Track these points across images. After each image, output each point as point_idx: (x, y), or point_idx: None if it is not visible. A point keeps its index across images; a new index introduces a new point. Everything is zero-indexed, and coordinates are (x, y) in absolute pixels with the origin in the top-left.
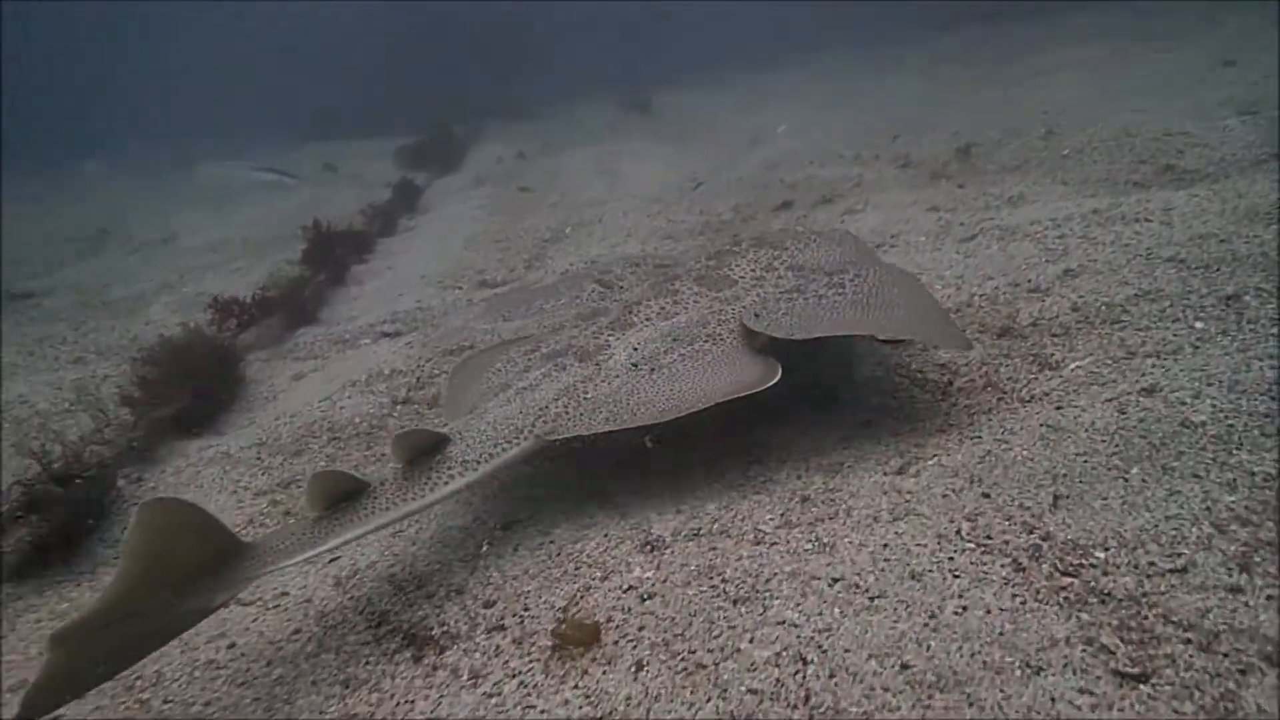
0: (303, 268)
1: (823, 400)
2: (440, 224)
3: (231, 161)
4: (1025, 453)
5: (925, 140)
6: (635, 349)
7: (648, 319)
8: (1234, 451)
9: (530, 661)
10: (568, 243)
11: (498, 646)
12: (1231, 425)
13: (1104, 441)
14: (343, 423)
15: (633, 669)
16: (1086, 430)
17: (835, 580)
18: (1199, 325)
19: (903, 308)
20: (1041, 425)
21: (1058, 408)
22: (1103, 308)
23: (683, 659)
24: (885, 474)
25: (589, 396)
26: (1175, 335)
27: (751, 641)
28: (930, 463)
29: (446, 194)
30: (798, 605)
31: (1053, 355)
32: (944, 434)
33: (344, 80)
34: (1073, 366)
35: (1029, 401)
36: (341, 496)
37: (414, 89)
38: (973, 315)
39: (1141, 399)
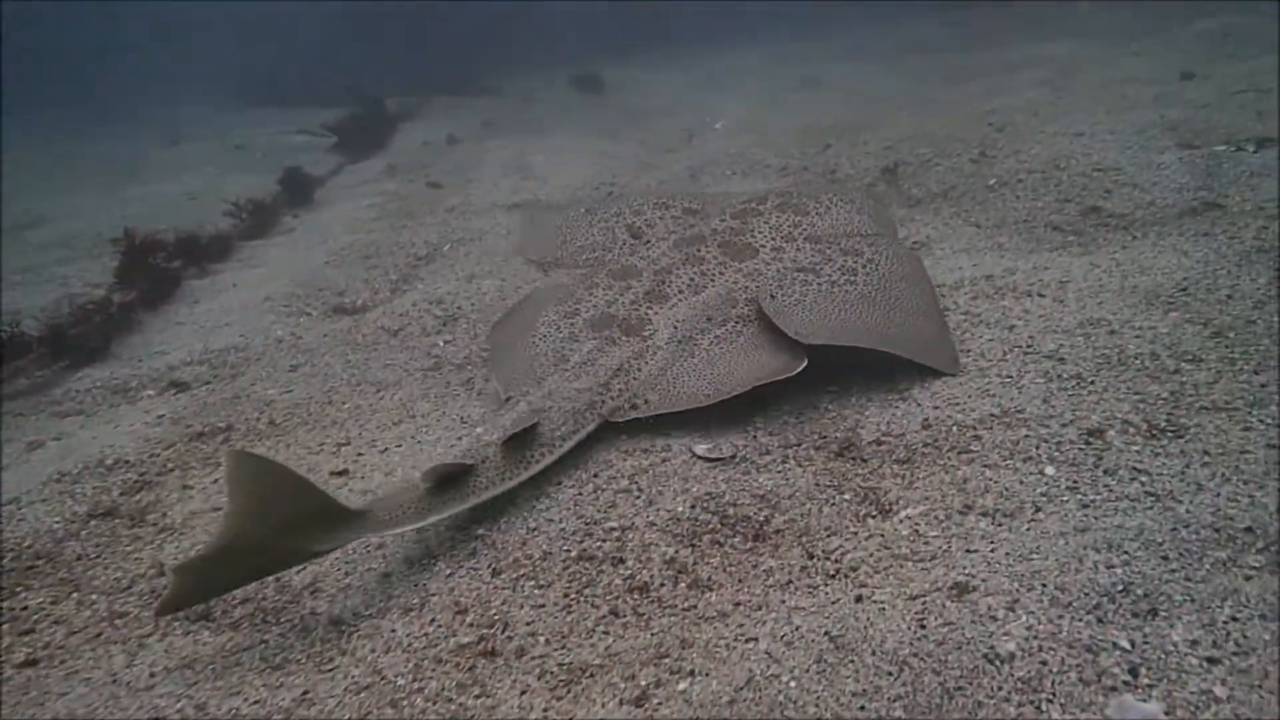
0: (112, 286)
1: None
2: (320, 227)
3: (262, 129)
4: (791, 688)
5: (859, 151)
6: (675, 327)
7: (680, 292)
8: (1041, 708)
9: None
10: (444, 263)
11: None
12: (1044, 664)
13: (889, 677)
14: None
15: None
16: (874, 653)
17: None
18: (1049, 472)
19: (905, 310)
20: (826, 635)
21: (857, 599)
22: (955, 429)
23: None
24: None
25: (640, 378)
26: (1022, 483)
27: None
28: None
29: (350, 185)
30: None
31: (887, 494)
32: (718, 623)
33: (300, 45)
34: (901, 517)
35: (833, 578)
36: (449, 478)
37: (373, 58)
38: (815, 419)
39: (949, 604)
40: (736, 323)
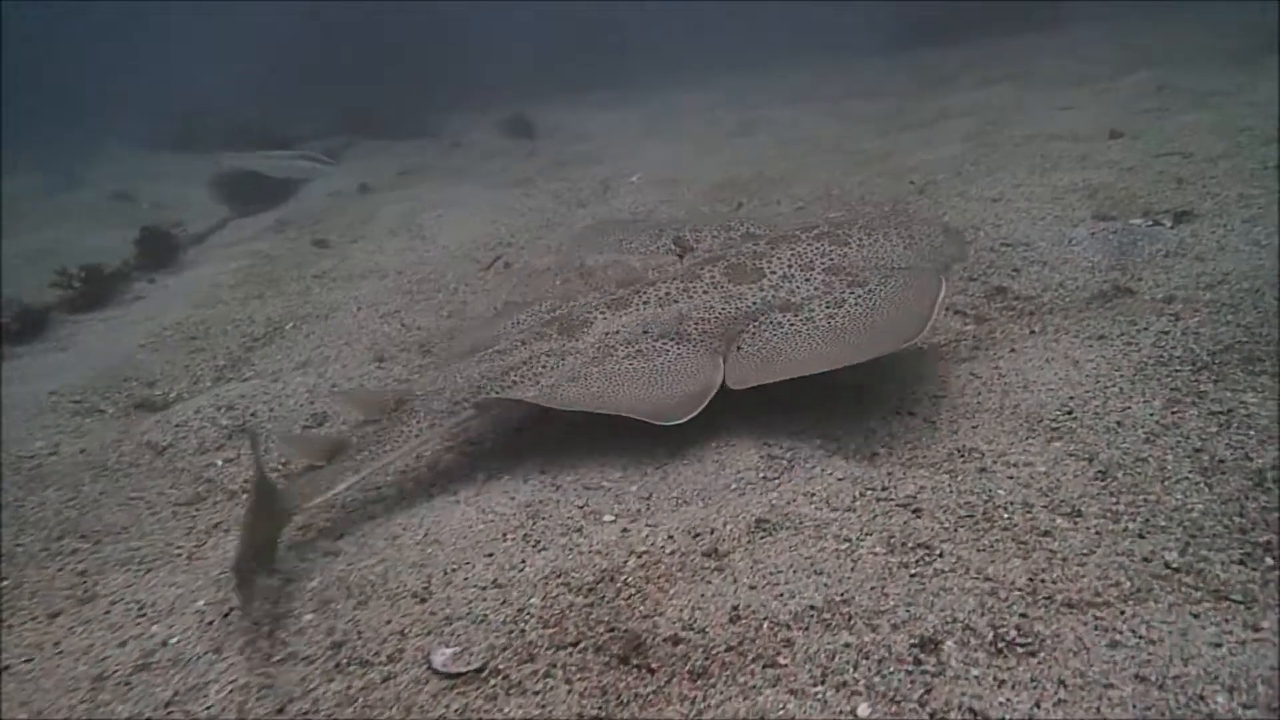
0: None
1: None
2: (167, 296)
3: (263, 151)
4: None
5: (770, 211)
6: (606, 335)
7: (645, 304)
8: None
9: None
10: (281, 346)
11: None
12: None
13: None
14: None
15: None
16: None
17: None
18: (862, 714)
19: (870, 324)
20: None
21: None
22: (767, 625)
23: None
24: None
25: (540, 374)
26: None
27: None
28: None
29: (231, 243)
30: None
31: None
32: None
33: (240, 81)
34: None
35: None
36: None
37: (310, 97)
38: (611, 596)
39: None
40: (669, 340)
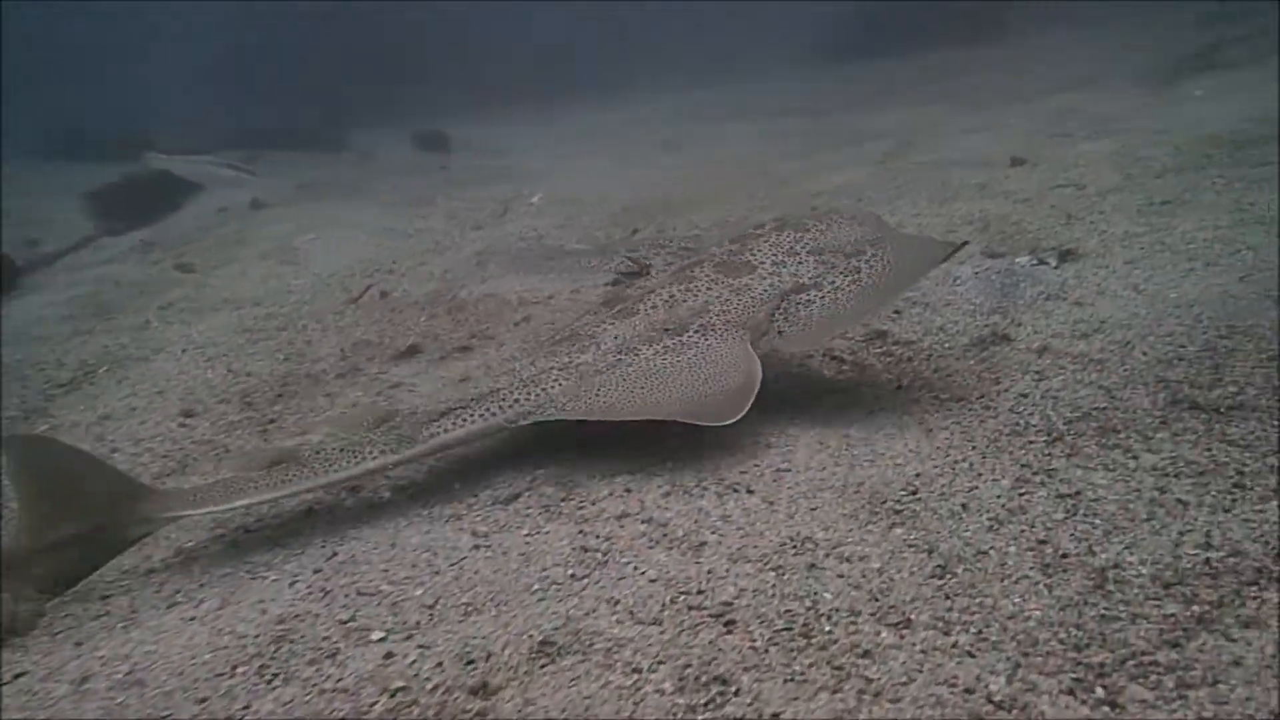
0: None
1: None
2: None
3: (187, 155)
4: None
5: (665, 237)
6: (619, 338)
7: (652, 308)
8: None
9: None
10: (89, 394)
11: None
12: None
13: None
14: None
15: None
16: None
17: None
18: None
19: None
20: None
21: None
22: None
23: None
24: None
25: (556, 386)
26: None
27: None
28: None
29: (86, 265)
30: None
31: None
32: None
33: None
34: None
35: None
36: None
37: (233, 102)
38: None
39: None
40: (695, 332)
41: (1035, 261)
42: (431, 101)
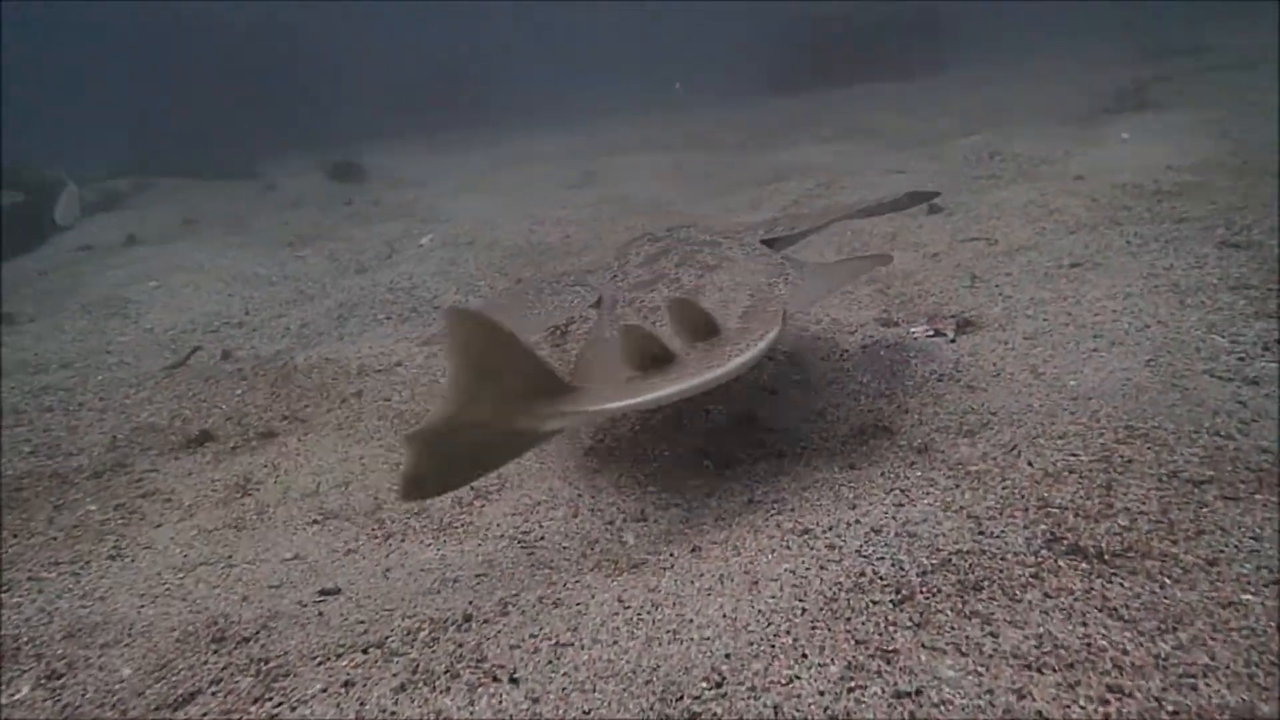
0: None
1: None
2: None
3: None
4: None
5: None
6: None
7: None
8: None
9: None
10: None
11: None
12: None
13: None
14: None
15: None
16: None
17: None
18: None
19: None
20: None
21: None
22: None
23: None
24: None
25: None
26: None
27: None
28: None
29: None
30: None
31: None
32: None
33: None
34: None
35: None
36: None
37: (130, 131)
38: None
39: None
40: None
41: (931, 333)
42: (358, 126)
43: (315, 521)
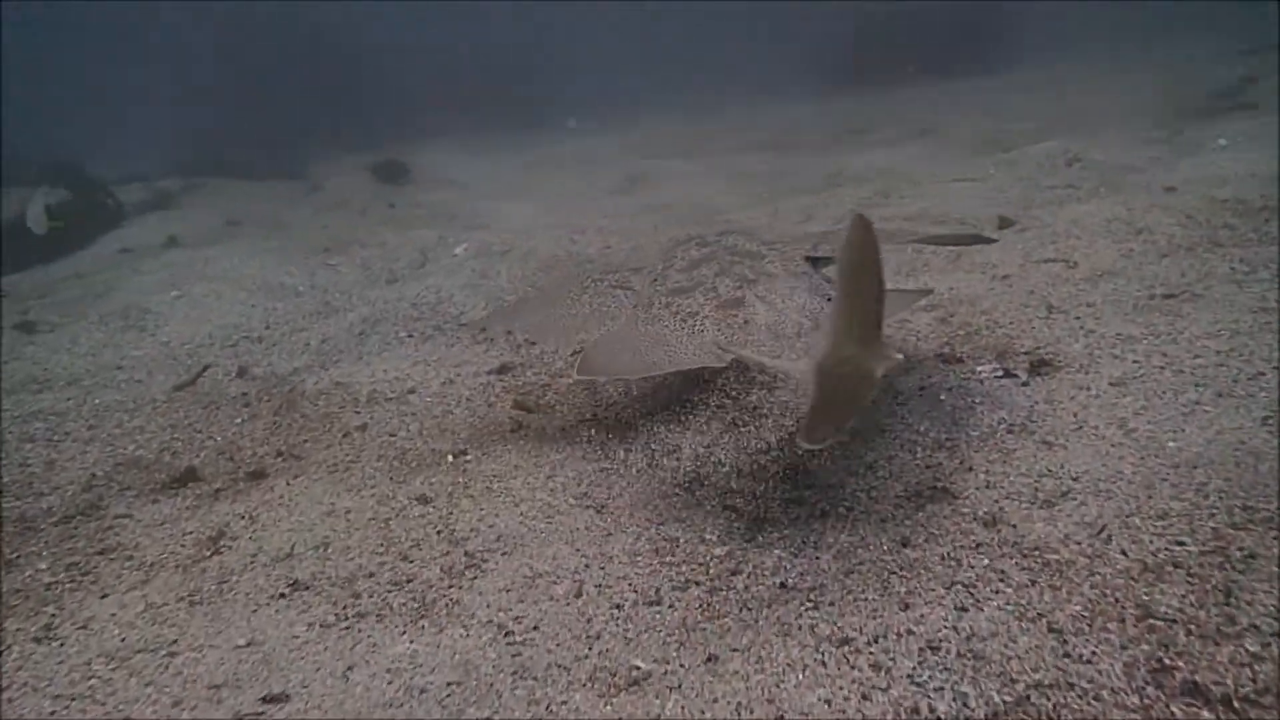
0: None
1: None
2: None
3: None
4: None
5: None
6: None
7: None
8: None
9: None
10: None
11: None
12: None
13: None
14: None
15: None
16: None
17: None
18: None
19: None
20: None
21: None
22: None
23: None
24: None
25: None
26: None
27: None
28: None
29: None
30: None
31: None
32: None
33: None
34: None
35: None
36: None
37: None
38: None
39: None
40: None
41: (1000, 373)
42: (412, 124)
43: (281, 595)
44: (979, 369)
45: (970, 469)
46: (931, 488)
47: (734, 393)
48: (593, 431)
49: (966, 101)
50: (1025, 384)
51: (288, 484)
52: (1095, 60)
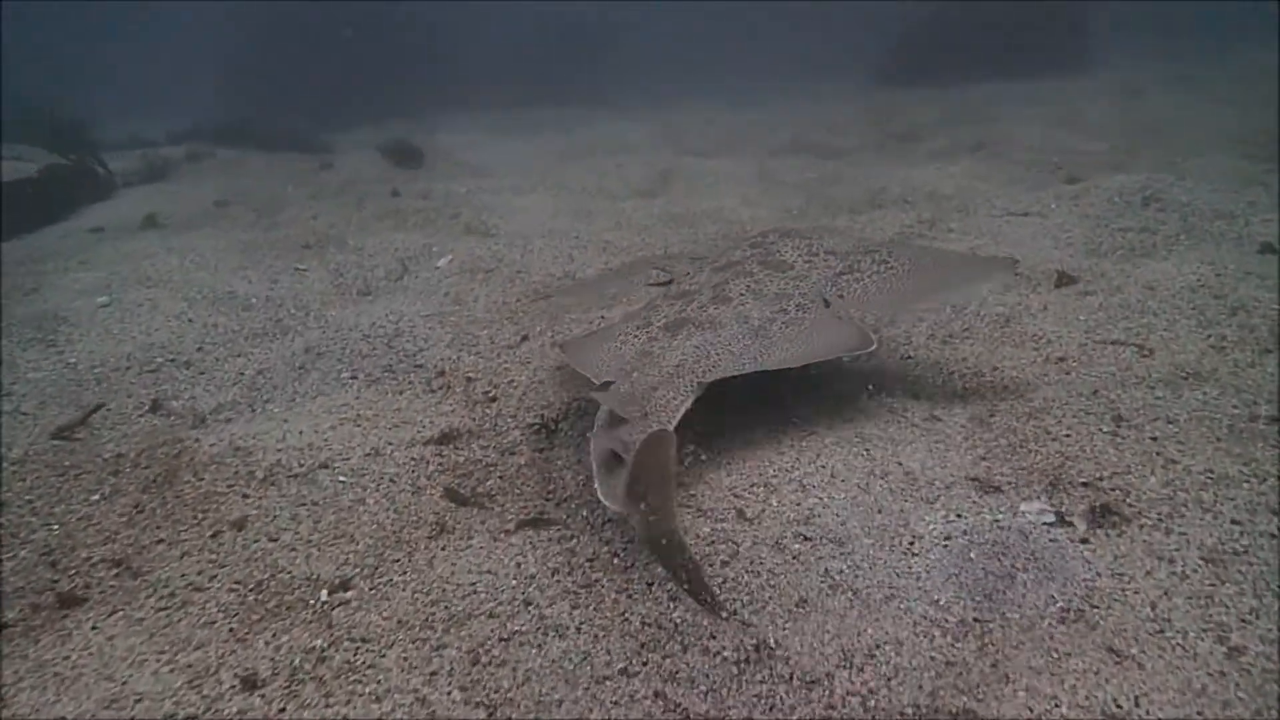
0: None
1: None
2: None
3: None
4: None
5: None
6: (746, 320)
7: (741, 294)
8: None
9: None
10: None
11: None
12: None
13: None
14: None
15: None
16: None
17: None
18: None
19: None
20: None
21: None
22: None
23: None
24: None
25: (720, 354)
26: None
27: None
28: None
29: None
30: None
31: None
32: None
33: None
34: None
35: None
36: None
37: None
38: None
39: None
40: (797, 310)
41: (1052, 518)
42: (449, 94)
43: None
44: (1023, 508)
45: (1007, 679)
46: (954, 710)
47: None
48: (533, 546)
49: (1030, 108)
50: (1084, 540)
51: (94, 628)
52: (1182, 66)
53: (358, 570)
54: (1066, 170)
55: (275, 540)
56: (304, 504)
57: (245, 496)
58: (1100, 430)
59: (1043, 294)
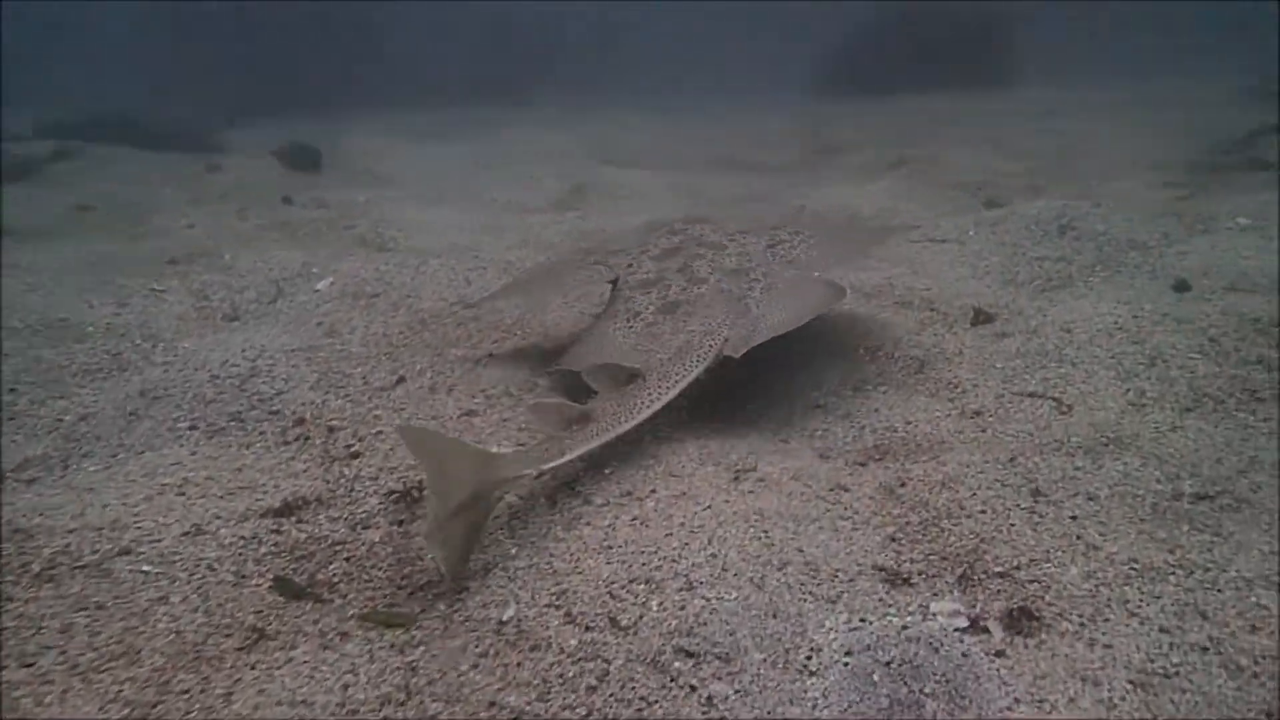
0: None
1: None
2: None
3: None
4: None
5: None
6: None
7: (710, 273)
8: None
9: None
10: None
11: None
12: None
13: None
14: None
15: None
16: None
17: None
18: None
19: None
20: None
21: None
22: None
23: None
24: None
25: (724, 330)
26: None
27: None
28: None
29: None
30: None
31: None
32: None
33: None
34: None
35: None
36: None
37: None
38: None
39: None
40: (766, 278)
41: (965, 622)
42: (372, 94)
43: None
44: (934, 608)
45: None
46: None
47: None
48: (369, 658)
49: (957, 124)
50: (1000, 654)
51: None
52: (1107, 82)
53: (127, 712)
54: (986, 193)
55: (29, 667)
56: (86, 608)
57: (17, 595)
58: (1018, 506)
59: (959, 334)
